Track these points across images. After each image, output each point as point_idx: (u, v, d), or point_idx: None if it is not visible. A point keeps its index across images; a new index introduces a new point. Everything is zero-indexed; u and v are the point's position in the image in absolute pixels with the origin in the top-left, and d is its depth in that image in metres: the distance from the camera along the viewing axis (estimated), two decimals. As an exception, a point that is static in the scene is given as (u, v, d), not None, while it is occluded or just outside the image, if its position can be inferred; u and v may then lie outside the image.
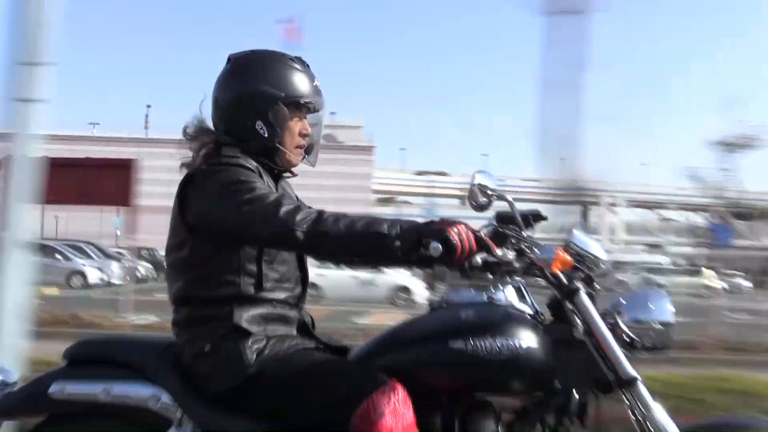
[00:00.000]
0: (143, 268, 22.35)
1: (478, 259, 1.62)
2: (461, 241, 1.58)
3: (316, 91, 1.90)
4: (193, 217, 1.79)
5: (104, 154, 22.46)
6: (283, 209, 1.65)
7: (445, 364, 1.74)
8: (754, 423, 1.92)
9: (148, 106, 60.65)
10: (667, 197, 56.66)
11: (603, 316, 1.81)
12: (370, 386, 1.64)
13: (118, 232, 26.55)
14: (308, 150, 1.97)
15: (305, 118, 1.91)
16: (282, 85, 1.84)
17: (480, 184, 1.83)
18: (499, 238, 1.75)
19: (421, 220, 1.69)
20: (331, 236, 1.63)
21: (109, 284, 21.24)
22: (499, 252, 1.67)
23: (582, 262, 1.81)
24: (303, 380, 1.73)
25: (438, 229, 1.59)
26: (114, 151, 30.17)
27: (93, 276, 22.18)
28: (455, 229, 1.58)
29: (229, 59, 1.92)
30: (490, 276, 1.72)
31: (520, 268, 1.74)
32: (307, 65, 1.92)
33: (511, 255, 1.72)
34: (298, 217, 1.63)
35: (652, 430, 1.73)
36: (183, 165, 1.88)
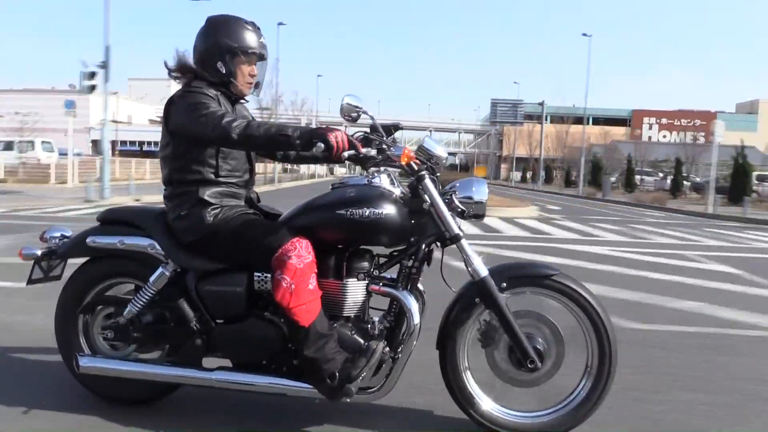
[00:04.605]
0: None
1: (346, 154, 1.86)
2: (337, 142, 1.83)
3: (262, 45, 2.12)
4: (172, 125, 2.05)
5: None
6: (225, 120, 1.92)
7: (332, 225, 1.98)
8: (545, 265, 2.10)
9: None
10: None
11: (443, 193, 2.08)
12: (283, 239, 1.93)
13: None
14: (257, 86, 2.17)
15: (254, 63, 2.12)
16: (237, 39, 2.06)
17: (348, 104, 1.98)
18: (367, 141, 2.00)
19: (314, 127, 1.93)
20: (255, 137, 1.90)
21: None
22: (363, 150, 1.93)
23: (431, 158, 2.04)
24: (241, 235, 2.01)
25: (322, 133, 1.85)
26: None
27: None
28: (334, 134, 1.84)
29: (207, 19, 2.12)
30: (360, 166, 1.98)
31: (380, 160, 1.99)
32: (258, 27, 2.13)
33: (373, 152, 1.97)
34: (234, 125, 1.90)
35: (471, 269, 2.01)
36: None
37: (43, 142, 23.28)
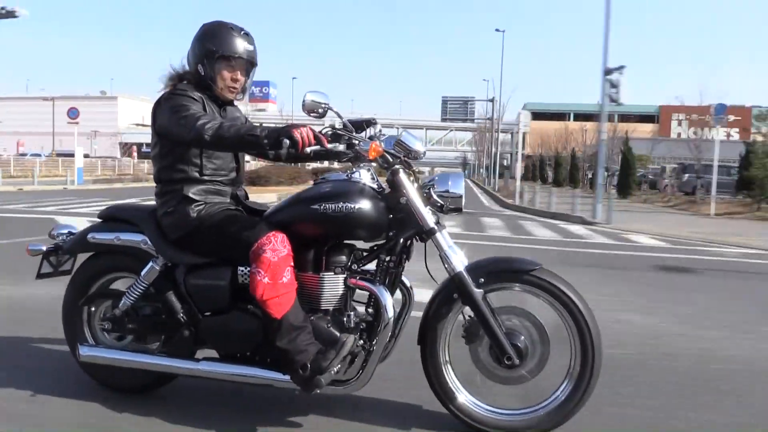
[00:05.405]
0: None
1: (308, 150, 1.87)
2: (302, 138, 1.84)
3: (248, 52, 2.12)
4: (157, 127, 2.12)
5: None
6: (200, 122, 1.95)
7: (307, 219, 2.00)
8: (525, 260, 2.04)
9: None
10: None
11: (422, 187, 2.05)
12: (259, 234, 1.96)
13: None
14: (243, 91, 2.20)
15: (240, 68, 2.13)
16: (221, 45, 2.08)
17: (312, 100, 1.97)
18: (336, 137, 1.98)
19: (280, 125, 1.93)
20: (225, 137, 1.93)
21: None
22: (329, 145, 1.93)
23: (409, 153, 2.02)
24: (222, 230, 2.06)
25: (288, 130, 1.86)
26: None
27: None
28: (299, 130, 1.85)
29: (201, 25, 2.16)
30: (333, 160, 1.93)
31: (351, 156, 1.99)
32: (247, 33, 2.14)
33: (341, 147, 1.97)
34: (207, 126, 1.94)
35: (446, 264, 2.00)
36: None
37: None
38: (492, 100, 33.29)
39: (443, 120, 40.14)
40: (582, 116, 44.24)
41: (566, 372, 1.99)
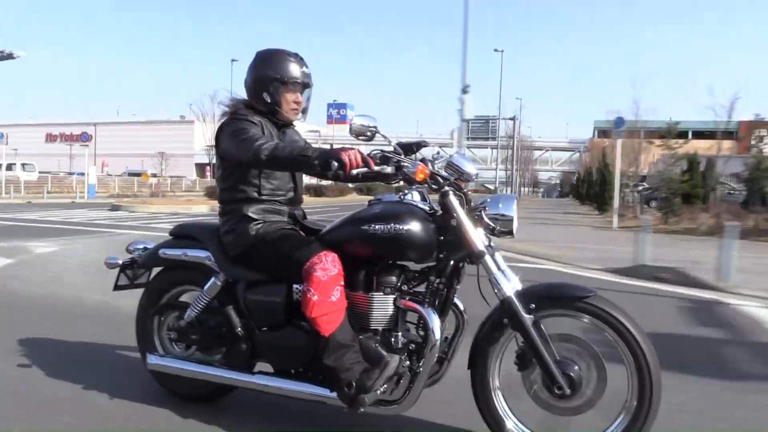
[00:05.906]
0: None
1: (354, 171, 1.90)
2: (350, 160, 1.89)
3: (305, 74, 2.24)
4: (220, 150, 2.24)
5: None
6: (257, 144, 2.04)
7: (357, 239, 2.03)
8: (579, 287, 1.97)
9: None
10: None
11: (473, 209, 2.03)
12: (311, 253, 2.01)
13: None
14: (303, 111, 2.31)
15: (299, 91, 2.24)
16: (280, 70, 2.20)
17: (361, 124, 2.01)
18: (385, 159, 2.00)
19: (330, 148, 1.99)
20: (279, 158, 2.01)
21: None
22: (377, 168, 1.95)
23: (461, 175, 2.01)
24: (278, 248, 2.13)
25: (336, 153, 1.91)
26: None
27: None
28: (348, 153, 1.90)
29: (255, 54, 2.28)
30: (380, 182, 2.03)
31: (399, 178, 2.00)
32: (301, 57, 2.26)
33: (389, 169, 1.98)
34: (263, 148, 2.03)
35: (495, 289, 1.96)
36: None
37: (23, 164, 28.47)
38: (513, 119, 32.63)
39: (466, 139, 39.59)
40: (655, 134, 42.25)
41: (622, 405, 1.89)
